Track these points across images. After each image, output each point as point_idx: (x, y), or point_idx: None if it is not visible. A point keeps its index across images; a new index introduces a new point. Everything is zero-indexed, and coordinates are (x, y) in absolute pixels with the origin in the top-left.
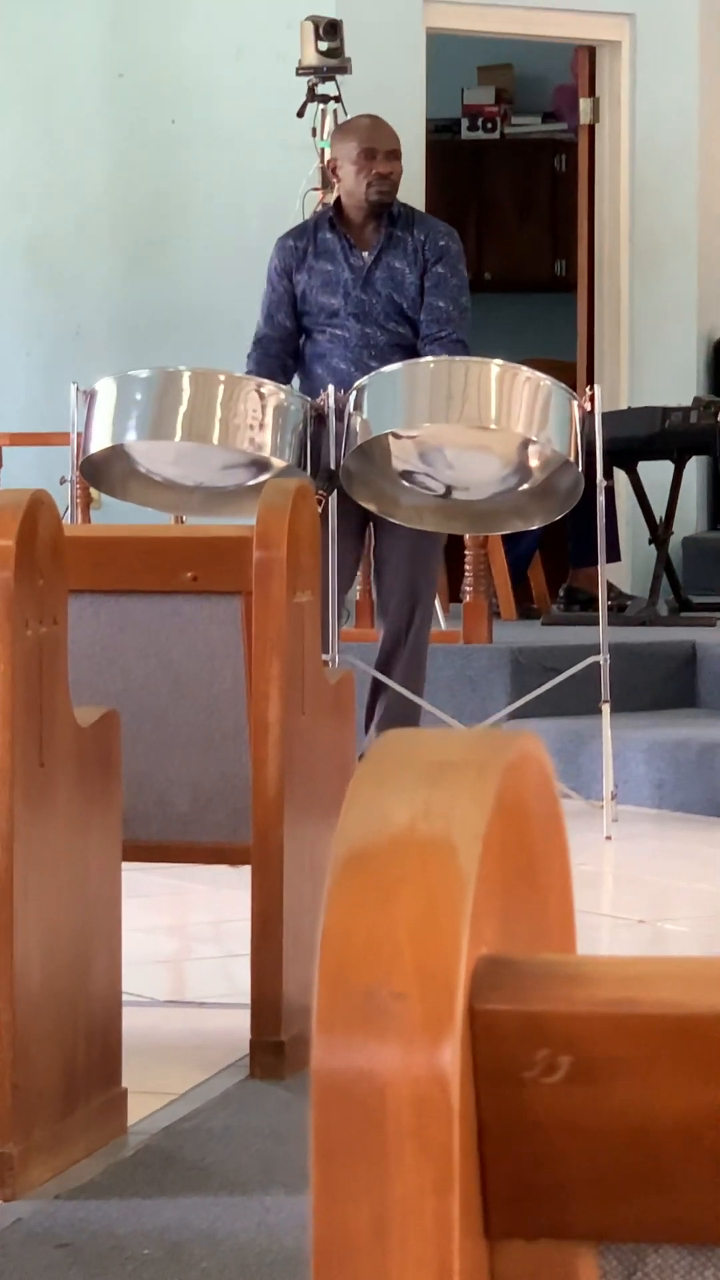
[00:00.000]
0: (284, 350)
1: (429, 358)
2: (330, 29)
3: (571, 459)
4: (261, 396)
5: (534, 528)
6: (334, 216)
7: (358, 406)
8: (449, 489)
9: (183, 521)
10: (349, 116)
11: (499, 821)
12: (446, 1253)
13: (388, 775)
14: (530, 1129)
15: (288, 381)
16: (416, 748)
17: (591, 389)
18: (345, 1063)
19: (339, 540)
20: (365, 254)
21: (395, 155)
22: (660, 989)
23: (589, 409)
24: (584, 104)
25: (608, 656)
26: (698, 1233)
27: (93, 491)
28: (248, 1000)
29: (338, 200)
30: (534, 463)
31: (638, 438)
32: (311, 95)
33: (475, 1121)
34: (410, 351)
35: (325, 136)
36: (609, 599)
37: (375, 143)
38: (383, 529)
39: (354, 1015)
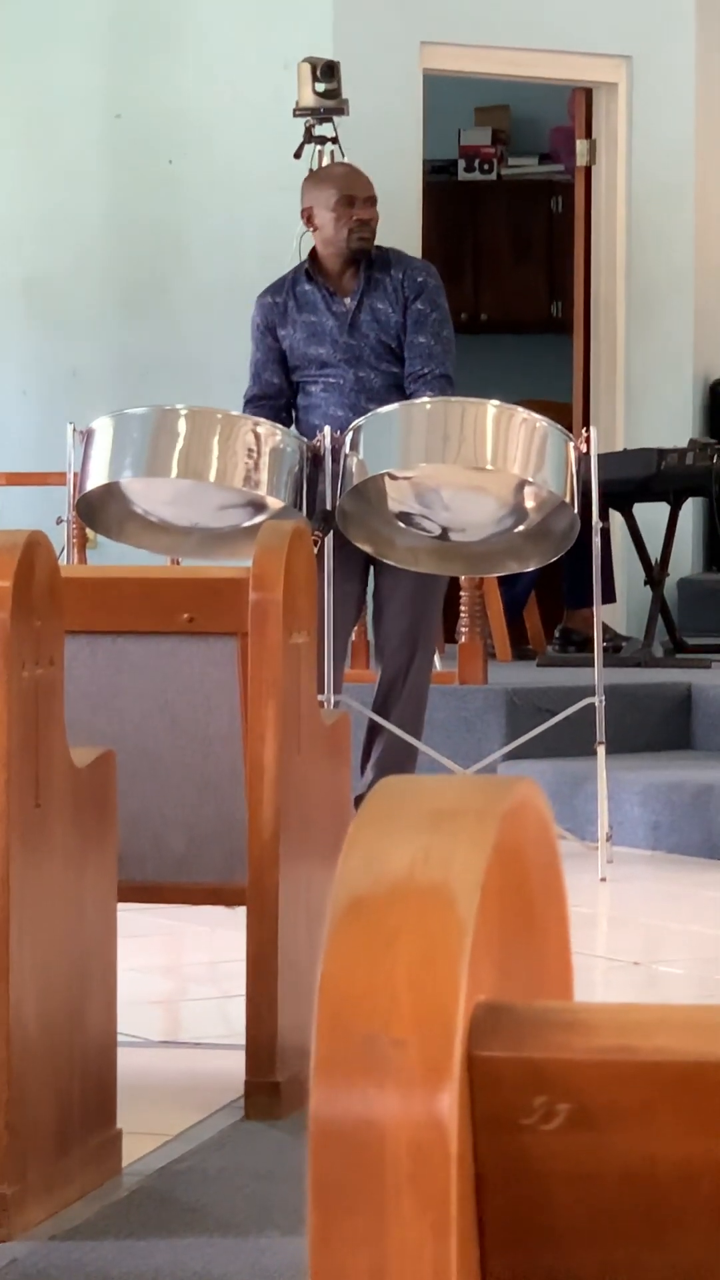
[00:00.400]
0: (276, 407)
1: (425, 399)
2: (327, 70)
3: (567, 500)
4: (258, 436)
5: (530, 569)
6: (309, 268)
7: (354, 447)
8: (445, 530)
9: (178, 563)
10: (330, 162)
11: (498, 869)
12: None
13: (387, 821)
14: (528, 1175)
15: None
16: (416, 794)
17: (587, 430)
18: (344, 1109)
19: (341, 582)
20: (347, 300)
21: (373, 201)
22: (658, 1036)
23: (585, 450)
24: (581, 145)
25: (603, 698)
26: (695, 1278)
27: (88, 531)
28: (243, 1041)
29: (313, 251)
30: (530, 504)
31: (634, 479)
32: (308, 136)
33: (473, 1168)
34: (404, 390)
35: None
36: (604, 640)
37: (354, 189)
38: (383, 570)
39: (353, 1062)
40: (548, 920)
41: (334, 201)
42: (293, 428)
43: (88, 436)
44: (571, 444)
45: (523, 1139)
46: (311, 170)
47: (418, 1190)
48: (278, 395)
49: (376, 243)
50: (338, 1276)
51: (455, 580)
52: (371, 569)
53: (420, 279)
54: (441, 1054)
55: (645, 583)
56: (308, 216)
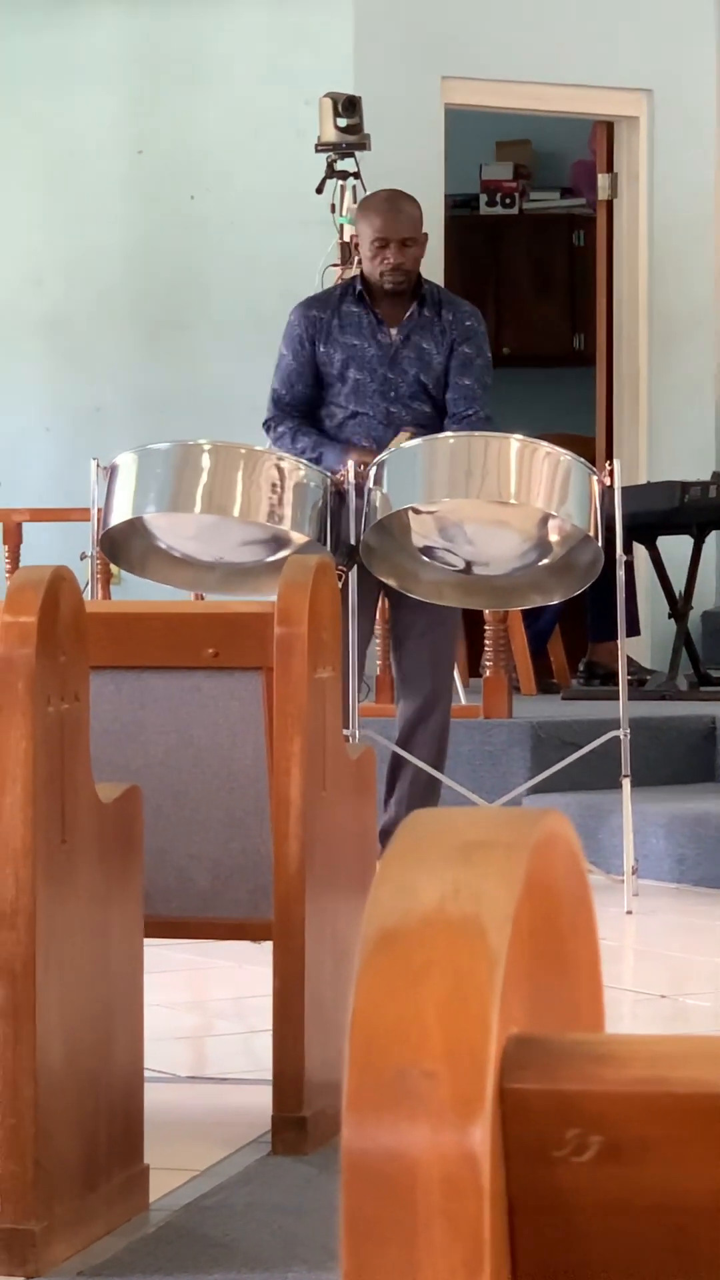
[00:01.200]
0: (307, 416)
1: (448, 433)
2: (349, 105)
3: (591, 534)
4: (281, 471)
5: (554, 602)
6: (362, 289)
7: (377, 481)
8: (469, 564)
9: (202, 598)
10: (368, 192)
11: (528, 902)
12: None
13: (418, 854)
14: (561, 1208)
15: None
16: (446, 827)
17: (611, 464)
18: (375, 1142)
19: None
20: (394, 331)
21: (411, 243)
22: (690, 1068)
23: (608, 484)
24: (602, 179)
25: (628, 731)
26: None
27: (112, 567)
28: (269, 1076)
29: (363, 273)
30: (554, 538)
31: (657, 512)
32: (330, 171)
33: (506, 1201)
34: (435, 429)
35: (345, 213)
36: (629, 673)
37: (389, 232)
38: (400, 603)
39: (384, 1095)
40: (578, 952)
41: (370, 239)
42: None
43: (111, 472)
44: (595, 477)
45: (555, 1171)
46: (364, 198)
47: (450, 1222)
48: (308, 406)
49: (428, 279)
50: None
51: (479, 614)
52: (386, 602)
53: (469, 323)
54: (473, 1086)
55: (669, 616)
56: (355, 244)
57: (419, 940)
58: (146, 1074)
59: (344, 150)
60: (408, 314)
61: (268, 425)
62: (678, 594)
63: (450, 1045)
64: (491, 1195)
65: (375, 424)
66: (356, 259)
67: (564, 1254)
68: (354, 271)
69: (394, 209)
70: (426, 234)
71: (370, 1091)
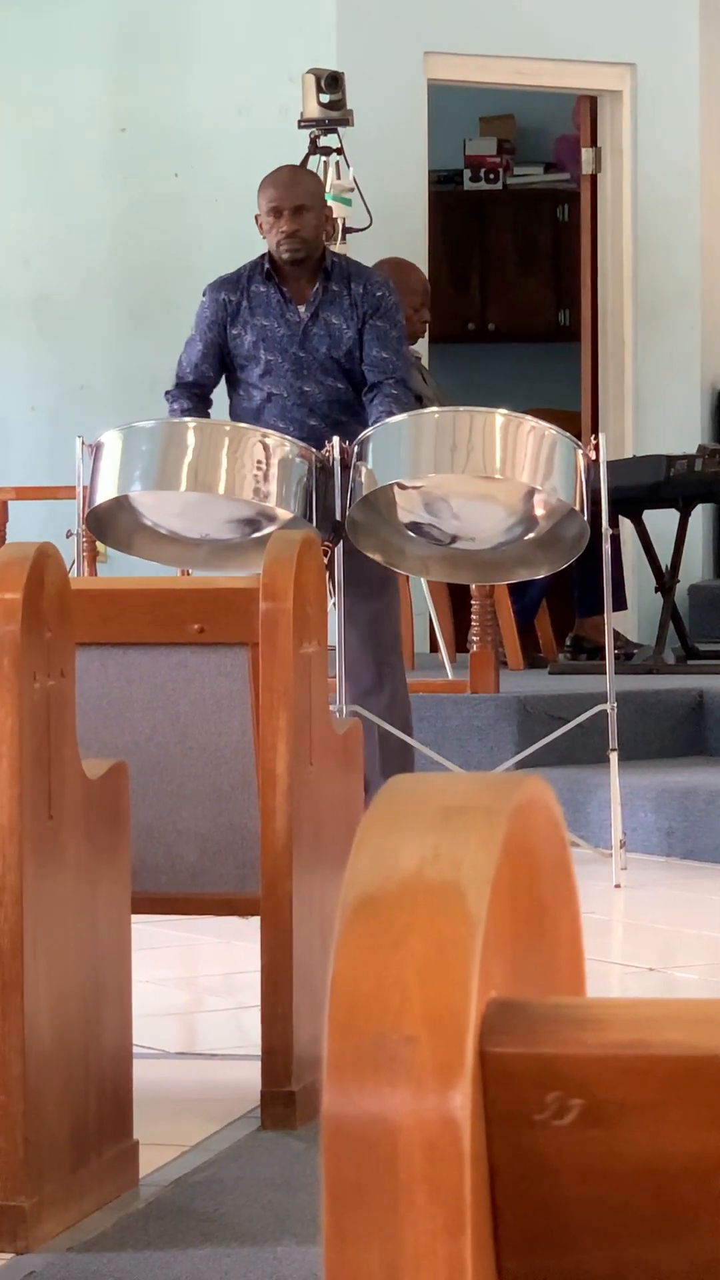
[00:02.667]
0: (205, 398)
1: (434, 408)
2: (332, 82)
3: (577, 508)
4: (266, 448)
5: (540, 577)
6: (269, 267)
7: (362, 457)
8: (454, 539)
9: (188, 574)
10: (351, 168)
11: (508, 866)
12: None
13: (397, 819)
14: (541, 1172)
15: None
16: (425, 792)
17: (596, 438)
18: (356, 1107)
19: None
20: (301, 308)
21: (303, 209)
22: (671, 1031)
23: (594, 458)
24: (586, 154)
25: (615, 705)
26: (710, 1274)
27: (98, 545)
28: (258, 1051)
29: (269, 251)
30: (539, 512)
31: (643, 486)
32: (314, 148)
33: (487, 1165)
34: (346, 406)
35: (330, 189)
36: (615, 647)
37: (281, 200)
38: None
39: (364, 1060)
40: (559, 917)
41: (265, 211)
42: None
43: (96, 450)
44: (580, 451)
45: (535, 1135)
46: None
47: (431, 1187)
48: (208, 386)
49: (335, 251)
50: (352, 1274)
51: (466, 589)
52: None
53: (379, 294)
54: (453, 1051)
55: (656, 589)
56: (258, 222)
57: (398, 905)
58: (135, 1050)
59: (327, 126)
60: (315, 290)
61: (168, 395)
62: (664, 568)
63: (430, 1010)
64: (472, 1159)
65: (290, 404)
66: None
67: (545, 1217)
68: (326, 246)
69: (287, 178)
70: (330, 208)
71: (351, 1057)
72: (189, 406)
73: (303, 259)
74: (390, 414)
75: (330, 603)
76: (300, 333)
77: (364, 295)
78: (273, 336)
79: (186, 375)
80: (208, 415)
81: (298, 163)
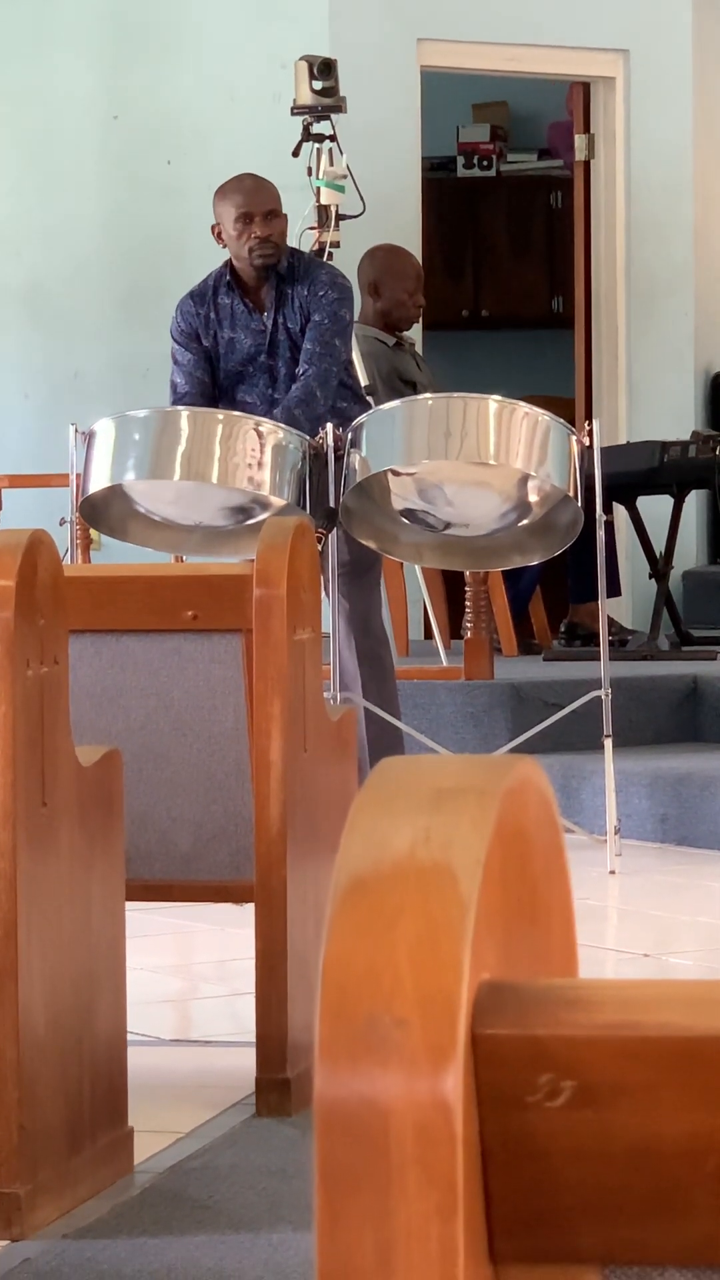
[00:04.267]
0: (212, 399)
1: (426, 395)
2: (324, 68)
3: (571, 494)
4: (260, 435)
5: (534, 563)
6: (230, 278)
7: (356, 444)
8: (448, 525)
9: (182, 561)
10: (344, 155)
11: (499, 847)
12: (451, 1279)
13: (388, 801)
14: (534, 1153)
15: None
16: (416, 774)
17: (590, 424)
18: (348, 1090)
19: None
20: (264, 316)
21: (274, 214)
22: (663, 1012)
23: (588, 444)
24: (579, 140)
25: (609, 691)
26: (703, 1255)
27: (92, 532)
28: (253, 1038)
29: (230, 260)
30: (533, 498)
31: (637, 472)
32: (306, 135)
33: (479, 1147)
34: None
35: (321, 176)
36: (610, 634)
37: (251, 206)
38: None
39: (356, 1043)
40: (551, 898)
41: (233, 218)
42: None
43: (90, 438)
44: (574, 438)
45: (528, 1117)
46: (219, 185)
47: (423, 1169)
48: (209, 392)
49: (293, 247)
50: (344, 1257)
51: (460, 576)
52: None
53: (321, 293)
54: (445, 1033)
55: (650, 576)
56: (217, 233)
57: (390, 887)
58: (130, 1037)
59: (320, 113)
60: (272, 295)
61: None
62: (658, 554)
63: (422, 992)
64: (464, 1142)
65: (261, 411)
66: (221, 246)
67: (538, 1199)
68: (321, 240)
69: (252, 184)
70: (286, 215)
71: (342, 1039)
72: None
73: (274, 265)
74: (295, 397)
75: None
76: (266, 341)
77: (308, 296)
78: (241, 348)
79: (183, 388)
80: None
81: (290, 150)
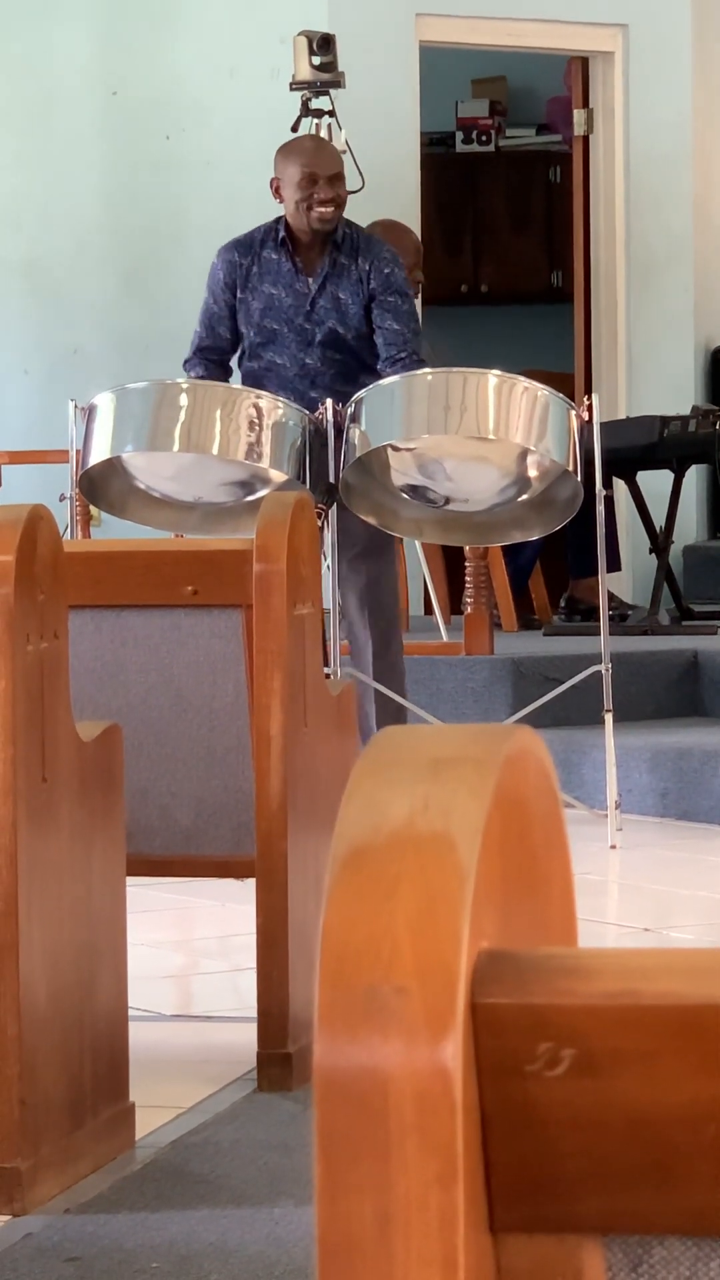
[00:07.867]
0: (225, 362)
1: (426, 370)
2: (323, 43)
3: (570, 469)
4: (260, 409)
5: (534, 538)
6: (284, 235)
7: (355, 419)
8: (448, 501)
9: (183, 538)
10: (343, 130)
11: (498, 816)
12: (451, 1247)
13: (386, 770)
14: (534, 1122)
15: None
16: (415, 744)
17: (589, 399)
18: (347, 1059)
19: None
20: (311, 280)
21: (338, 179)
22: (662, 981)
23: (587, 419)
24: (578, 115)
25: (609, 666)
26: (703, 1224)
27: (92, 509)
28: (254, 1013)
29: (284, 218)
30: (533, 473)
31: (637, 447)
32: (305, 110)
33: (478, 1115)
34: (347, 378)
35: None
36: (610, 608)
37: (317, 168)
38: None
39: (355, 1012)
40: (550, 868)
41: (298, 178)
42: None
43: (89, 413)
44: (573, 412)
45: (527, 1086)
46: (284, 143)
47: (423, 1138)
48: (226, 350)
49: (348, 219)
50: (344, 1226)
51: (460, 551)
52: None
53: (387, 270)
54: (444, 1002)
55: (650, 550)
56: (276, 188)
57: (388, 856)
58: (131, 1012)
59: (319, 89)
60: (325, 262)
61: (185, 365)
62: (658, 528)
63: (421, 961)
64: (464, 1110)
65: (292, 375)
66: (279, 203)
67: (538, 1168)
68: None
69: (317, 146)
70: (346, 181)
71: (341, 1009)
72: (203, 374)
73: (333, 230)
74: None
75: (324, 565)
76: (307, 304)
77: (371, 272)
78: (279, 305)
79: (204, 340)
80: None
81: (289, 126)
